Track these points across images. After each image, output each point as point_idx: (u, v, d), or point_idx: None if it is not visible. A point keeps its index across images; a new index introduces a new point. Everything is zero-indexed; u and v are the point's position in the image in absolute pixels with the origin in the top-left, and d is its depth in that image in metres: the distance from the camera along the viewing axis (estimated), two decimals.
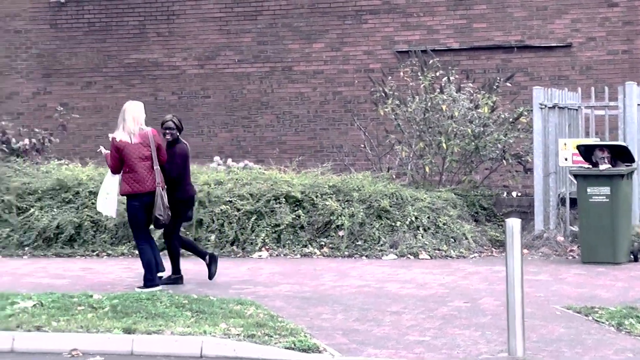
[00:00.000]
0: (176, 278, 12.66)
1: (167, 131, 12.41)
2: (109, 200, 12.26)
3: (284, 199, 15.78)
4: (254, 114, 22.42)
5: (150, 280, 11.88)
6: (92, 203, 15.87)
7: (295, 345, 8.67)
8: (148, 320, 9.55)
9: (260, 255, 15.18)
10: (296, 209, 15.78)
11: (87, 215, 15.82)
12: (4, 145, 18.45)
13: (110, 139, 11.95)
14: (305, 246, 15.46)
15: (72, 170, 17.21)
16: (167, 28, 23.01)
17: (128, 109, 12.00)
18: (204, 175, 16.48)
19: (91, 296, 10.80)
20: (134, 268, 13.87)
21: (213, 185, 16.10)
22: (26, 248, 15.73)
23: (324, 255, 15.22)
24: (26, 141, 18.70)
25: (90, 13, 23.51)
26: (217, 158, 19.16)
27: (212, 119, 22.63)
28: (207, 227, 15.61)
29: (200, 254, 12.92)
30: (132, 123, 11.86)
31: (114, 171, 11.98)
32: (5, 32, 23.91)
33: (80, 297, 10.72)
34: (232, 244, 15.53)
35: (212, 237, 15.49)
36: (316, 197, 15.85)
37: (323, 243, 15.52)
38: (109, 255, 15.44)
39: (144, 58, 23.16)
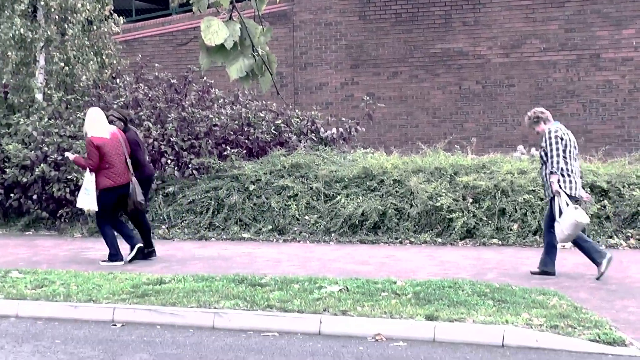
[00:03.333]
0: (150, 251, 13.79)
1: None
2: (90, 196, 13.26)
3: (589, 189, 15.45)
4: (559, 102, 22.07)
5: (114, 255, 13.36)
6: (396, 191, 16.16)
7: (599, 337, 8.43)
8: (450, 308, 9.57)
9: (563, 246, 14.91)
10: (602, 199, 15.43)
11: (391, 203, 16.08)
12: (313, 134, 19.04)
13: (88, 139, 13.23)
14: (611, 237, 15.08)
15: (377, 158, 17.53)
16: (473, 17, 23.02)
17: (97, 114, 13.38)
18: (507, 164, 16.38)
19: (394, 282, 10.95)
20: (437, 256, 14.00)
21: (516, 174, 15.97)
22: (332, 234, 16.16)
23: (630, 247, 14.80)
24: (334, 130, 19.19)
25: (397, 4, 23.87)
26: (520, 147, 19.01)
27: (517, 108, 22.45)
28: (510, 216, 15.50)
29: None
30: (106, 124, 13.37)
31: (94, 168, 13.20)
32: (316, 24, 24.68)
33: (384, 284, 10.89)
34: (534, 234, 15.35)
35: (515, 226, 15.37)
36: (623, 187, 15.44)
37: (630, 234, 15.08)
38: (411, 242, 15.64)
39: (449, 47, 23.28)
